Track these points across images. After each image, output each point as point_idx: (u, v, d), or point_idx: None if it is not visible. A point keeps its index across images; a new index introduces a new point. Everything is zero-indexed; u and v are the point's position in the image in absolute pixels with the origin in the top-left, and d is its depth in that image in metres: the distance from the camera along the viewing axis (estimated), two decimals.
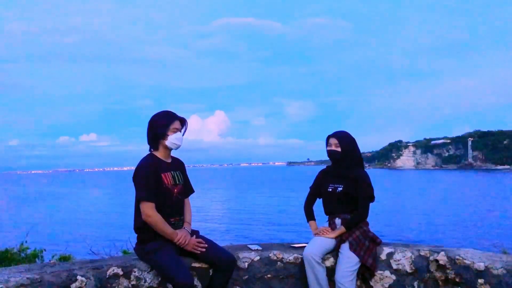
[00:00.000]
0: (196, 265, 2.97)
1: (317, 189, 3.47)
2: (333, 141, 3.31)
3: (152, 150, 3.01)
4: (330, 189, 3.32)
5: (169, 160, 3.02)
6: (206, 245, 2.93)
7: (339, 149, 3.28)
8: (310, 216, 3.50)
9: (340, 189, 3.28)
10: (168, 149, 3.00)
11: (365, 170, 3.38)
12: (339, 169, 3.32)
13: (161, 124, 2.94)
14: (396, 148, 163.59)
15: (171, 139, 2.94)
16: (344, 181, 3.28)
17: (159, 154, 2.98)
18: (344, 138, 3.32)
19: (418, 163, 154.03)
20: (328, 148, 3.33)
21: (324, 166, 3.58)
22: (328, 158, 3.40)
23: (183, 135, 3.02)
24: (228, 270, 2.91)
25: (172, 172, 2.97)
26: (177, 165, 3.08)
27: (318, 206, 3.49)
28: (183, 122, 3.03)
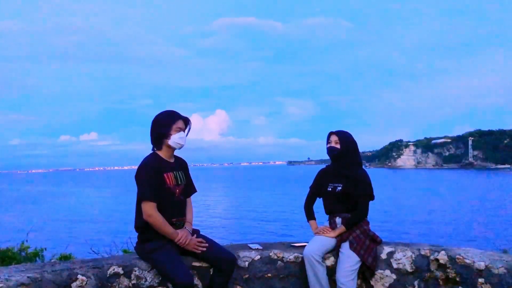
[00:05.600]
0: (197, 264, 2.97)
1: (317, 189, 3.47)
2: (334, 138, 3.32)
3: (155, 149, 3.00)
4: (330, 189, 3.33)
5: (172, 160, 3.02)
6: (207, 245, 2.93)
7: (338, 146, 3.29)
8: (310, 215, 3.50)
9: (339, 188, 3.28)
10: (171, 149, 2.99)
11: (364, 169, 3.38)
12: (339, 168, 3.32)
13: (165, 124, 2.94)
14: (396, 147, 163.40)
15: (174, 139, 2.94)
16: (343, 181, 3.28)
17: (162, 153, 2.97)
18: (345, 137, 3.32)
19: (418, 163, 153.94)
20: (328, 145, 3.34)
21: (324, 165, 3.59)
22: (328, 157, 3.41)
23: (186, 135, 3.02)
24: (229, 269, 2.91)
25: (174, 172, 2.96)
26: (180, 165, 3.08)
27: (319, 205, 3.49)
28: (186, 122, 3.03)
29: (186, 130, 3.02)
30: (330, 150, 3.32)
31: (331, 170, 3.40)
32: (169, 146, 2.97)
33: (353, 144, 3.34)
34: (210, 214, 29.37)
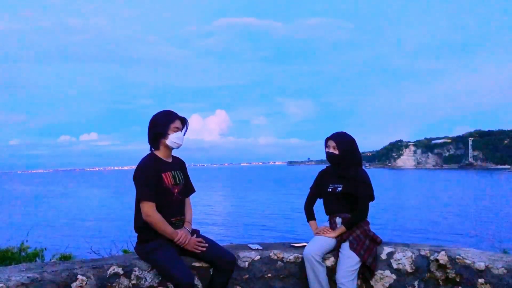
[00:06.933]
0: (197, 264, 2.97)
1: (317, 189, 3.47)
2: (331, 143, 3.31)
3: (153, 149, 3.01)
4: (330, 189, 3.32)
5: (170, 160, 3.02)
6: (207, 245, 2.93)
7: (337, 152, 3.28)
8: (310, 216, 3.50)
9: (339, 189, 3.28)
10: (169, 149, 3.00)
11: (364, 169, 3.38)
12: (339, 170, 3.32)
13: (162, 123, 2.94)
14: (396, 147, 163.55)
15: (172, 138, 2.94)
16: (343, 181, 3.28)
17: (160, 153, 2.98)
18: (342, 141, 3.30)
19: (418, 163, 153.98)
20: (327, 150, 3.34)
21: (324, 166, 3.59)
22: None
23: (184, 134, 3.02)
24: (229, 269, 2.91)
25: (172, 171, 2.97)
26: (178, 165, 3.08)
27: (319, 205, 3.49)
28: (183, 121, 3.03)
29: (184, 130, 3.03)
30: (329, 156, 3.33)
31: (331, 171, 3.40)
32: (166, 146, 2.97)
33: (352, 145, 3.32)
34: (210, 214, 29.36)
